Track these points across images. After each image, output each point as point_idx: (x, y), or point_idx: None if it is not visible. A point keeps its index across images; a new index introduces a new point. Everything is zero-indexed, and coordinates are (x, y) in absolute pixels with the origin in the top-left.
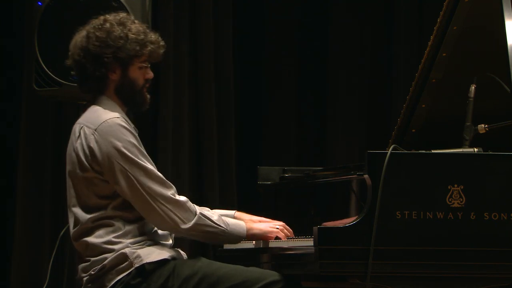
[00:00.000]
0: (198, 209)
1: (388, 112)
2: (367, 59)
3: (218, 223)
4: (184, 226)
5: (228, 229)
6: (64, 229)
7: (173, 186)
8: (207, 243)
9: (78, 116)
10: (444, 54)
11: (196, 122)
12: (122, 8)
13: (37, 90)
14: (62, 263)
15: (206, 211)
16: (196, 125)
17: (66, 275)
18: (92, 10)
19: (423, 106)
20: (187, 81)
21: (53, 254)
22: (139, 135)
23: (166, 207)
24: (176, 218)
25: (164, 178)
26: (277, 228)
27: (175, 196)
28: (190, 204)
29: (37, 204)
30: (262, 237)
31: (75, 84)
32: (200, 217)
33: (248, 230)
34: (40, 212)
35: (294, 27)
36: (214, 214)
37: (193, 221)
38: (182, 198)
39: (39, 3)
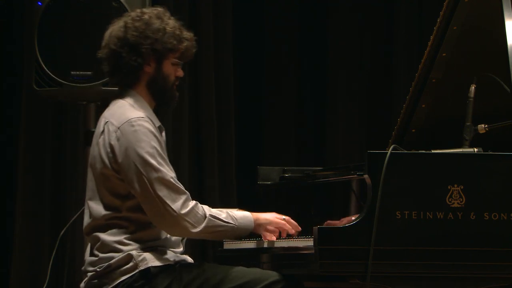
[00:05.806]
0: (207, 210)
1: (388, 112)
2: (367, 59)
3: (228, 221)
4: (194, 230)
5: (237, 224)
6: (64, 229)
7: (187, 192)
8: (215, 240)
9: (78, 116)
10: (444, 54)
11: (196, 122)
12: (122, 8)
13: (37, 90)
14: (62, 263)
15: (217, 209)
16: (196, 125)
17: (66, 275)
18: (92, 10)
19: (423, 106)
20: (187, 81)
21: (53, 254)
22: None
23: (177, 213)
24: (186, 224)
25: (179, 184)
26: (284, 219)
27: (185, 203)
28: (198, 206)
29: (37, 204)
30: (267, 228)
31: (75, 84)
32: (210, 219)
33: (255, 220)
34: (40, 212)
35: (294, 27)
36: (222, 212)
37: (203, 225)
38: (192, 202)
39: (39, 3)
